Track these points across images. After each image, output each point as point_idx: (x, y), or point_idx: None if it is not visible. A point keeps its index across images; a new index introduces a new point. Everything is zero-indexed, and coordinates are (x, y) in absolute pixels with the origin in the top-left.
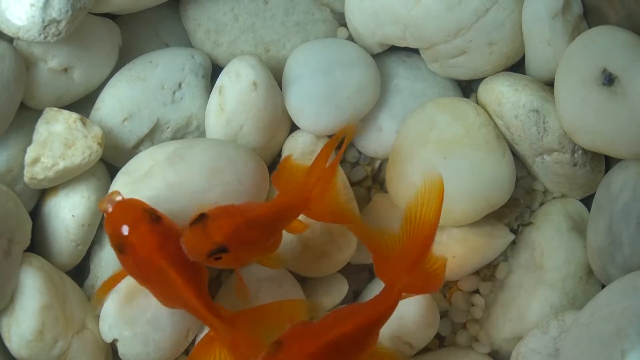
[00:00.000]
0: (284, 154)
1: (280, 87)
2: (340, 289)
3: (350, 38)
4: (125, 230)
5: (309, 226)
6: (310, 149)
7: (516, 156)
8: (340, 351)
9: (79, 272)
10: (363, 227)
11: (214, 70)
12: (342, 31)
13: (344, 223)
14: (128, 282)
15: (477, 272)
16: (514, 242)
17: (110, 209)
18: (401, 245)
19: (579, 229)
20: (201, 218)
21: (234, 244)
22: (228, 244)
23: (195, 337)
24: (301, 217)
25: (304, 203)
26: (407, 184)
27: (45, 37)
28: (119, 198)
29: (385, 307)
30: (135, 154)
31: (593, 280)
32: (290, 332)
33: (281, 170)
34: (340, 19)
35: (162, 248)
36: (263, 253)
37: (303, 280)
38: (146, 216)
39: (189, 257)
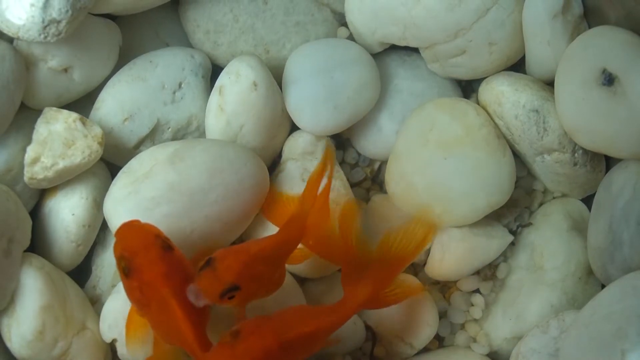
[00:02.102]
0: (285, 154)
1: (281, 88)
2: (341, 289)
3: (351, 37)
4: (133, 252)
5: (310, 256)
6: (310, 149)
7: (516, 156)
8: (293, 350)
9: (80, 272)
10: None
11: (214, 71)
12: (342, 31)
13: (337, 260)
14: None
15: (477, 272)
16: (513, 243)
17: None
18: (375, 263)
19: (579, 228)
20: (209, 262)
21: (245, 281)
22: (239, 281)
23: None
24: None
25: (301, 233)
26: (407, 184)
27: (45, 37)
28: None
29: (342, 317)
30: (136, 153)
31: (593, 280)
32: (249, 323)
33: (272, 205)
34: (340, 19)
35: (168, 277)
36: (271, 288)
37: (303, 281)
38: (158, 243)
39: (202, 300)
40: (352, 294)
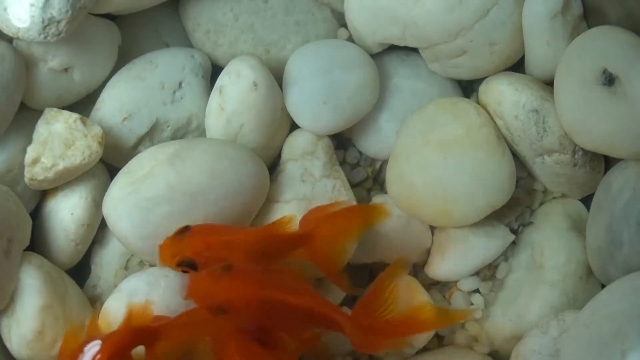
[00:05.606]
0: (285, 155)
1: (281, 87)
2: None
3: (350, 38)
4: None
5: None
6: (310, 149)
7: (516, 156)
8: (270, 312)
9: (80, 271)
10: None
11: (214, 71)
12: (342, 32)
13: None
14: None
15: (477, 273)
16: (514, 242)
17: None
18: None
19: (579, 228)
20: (184, 230)
21: (203, 262)
22: (197, 259)
23: None
24: None
25: (300, 237)
26: (407, 184)
27: (45, 37)
28: None
29: (335, 321)
30: (136, 154)
31: (593, 280)
32: (248, 268)
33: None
34: (340, 19)
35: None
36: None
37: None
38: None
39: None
40: (357, 319)
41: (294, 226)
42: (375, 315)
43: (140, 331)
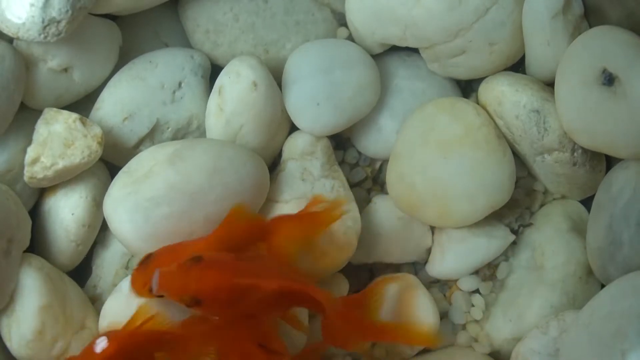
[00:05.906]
0: (285, 154)
1: (280, 87)
2: (340, 289)
3: (350, 38)
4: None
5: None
6: (309, 150)
7: (516, 156)
8: (241, 298)
9: (80, 272)
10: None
11: (214, 71)
12: (342, 31)
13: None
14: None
15: (476, 272)
16: (514, 243)
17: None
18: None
19: (579, 229)
20: (147, 258)
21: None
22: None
23: None
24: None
25: (260, 230)
26: (407, 184)
27: (45, 37)
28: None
29: (311, 296)
30: (136, 153)
31: (593, 280)
32: (215, 256)
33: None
34: (341, 19)
35: None
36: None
37: None
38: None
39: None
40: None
41: (247, 216)
42: (355, 310)
43: (162, 336)
